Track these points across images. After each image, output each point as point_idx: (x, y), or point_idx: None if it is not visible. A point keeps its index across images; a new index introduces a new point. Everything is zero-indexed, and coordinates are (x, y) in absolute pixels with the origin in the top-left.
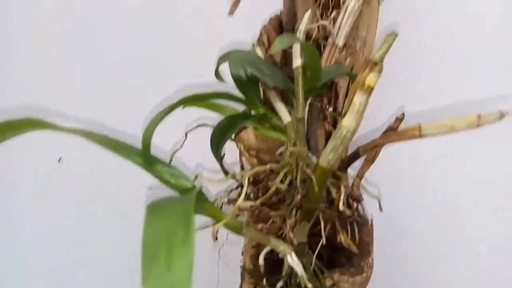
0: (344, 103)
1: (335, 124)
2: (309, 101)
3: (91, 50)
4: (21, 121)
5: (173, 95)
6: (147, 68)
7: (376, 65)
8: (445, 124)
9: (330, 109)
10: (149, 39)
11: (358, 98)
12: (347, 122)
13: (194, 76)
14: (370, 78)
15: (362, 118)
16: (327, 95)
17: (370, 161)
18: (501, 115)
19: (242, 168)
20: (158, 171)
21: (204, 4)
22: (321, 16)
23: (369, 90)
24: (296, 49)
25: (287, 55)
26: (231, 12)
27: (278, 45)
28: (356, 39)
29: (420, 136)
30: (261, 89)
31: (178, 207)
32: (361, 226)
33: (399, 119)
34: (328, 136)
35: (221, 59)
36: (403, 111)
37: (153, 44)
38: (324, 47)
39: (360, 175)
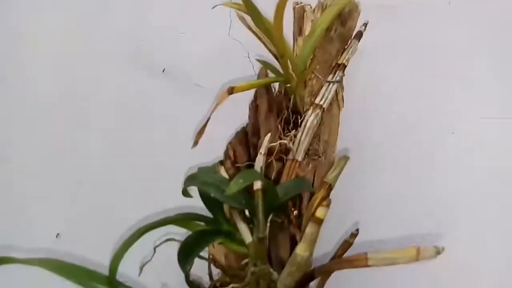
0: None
1: (300, 226)
2: (270, 217)
3: (60, 177)
4: None
5: (143, 219)
6: (116, 193)
7: (329, 186)
8: (388, 257)
9: (295, 212)
10: (118, 165)
11: (309, 229)
12: (300, 250)
13: (164, 198)
14: (319, 212)
15: (315, 245)
16: (292, 199)
17: (326, 276)
18: (438, 252)
19: (211, 277)
20: None
21: (171, 129)
22: (283, 130)
23: (320, 222)
24: None
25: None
26: (195, 143)
27: (233, 187)
28: (318, 143)
29: (367, 265)
30: (226, 206)
31: None
32: None
33: (354, 235)
34: (292, 239)
35: (187, 181)
36: (357, 227)
37: (123, 169)
38: (286, 160)
39: None
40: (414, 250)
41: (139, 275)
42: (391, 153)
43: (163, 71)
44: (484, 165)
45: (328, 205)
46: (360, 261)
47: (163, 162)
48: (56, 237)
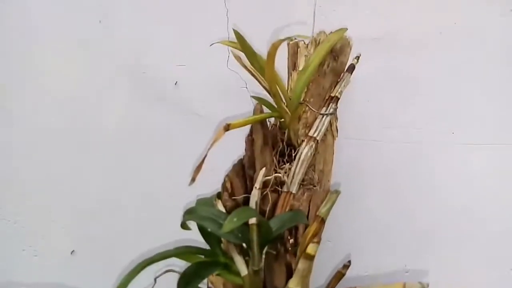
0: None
1: (295, 254)
2: (265, 250)
3: (61, 212)
4: None
5: (144, 253)
6: (116, 227)
7: (321, 219)
8: None
9: (291, 240)
10: (118, 199)
11: (301, 265)
12: (292, 284)
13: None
14: (310, 248)
15: (308, 280)
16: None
17: None
18: (423, 287)
19: None
20: None
21: (170, 159)
22: (278, 162)
23: (311, 258)
24: None
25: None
26: (193, 180)
27: (228, 226)
28: (313, 173)
29: None
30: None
31: None
32: None
33: (346, 266)
34: (288, 269)
35: (186, 214)
36: (349, 259)
37: (123, 204)
38: (281, 192)
39: None
40: (400, 286)
41: None
42: (385, 183)
43: (175, 83)
44: (477, 197)
45: (318, 242)
46: None
47: (163, 195)
48: (71, 253)
